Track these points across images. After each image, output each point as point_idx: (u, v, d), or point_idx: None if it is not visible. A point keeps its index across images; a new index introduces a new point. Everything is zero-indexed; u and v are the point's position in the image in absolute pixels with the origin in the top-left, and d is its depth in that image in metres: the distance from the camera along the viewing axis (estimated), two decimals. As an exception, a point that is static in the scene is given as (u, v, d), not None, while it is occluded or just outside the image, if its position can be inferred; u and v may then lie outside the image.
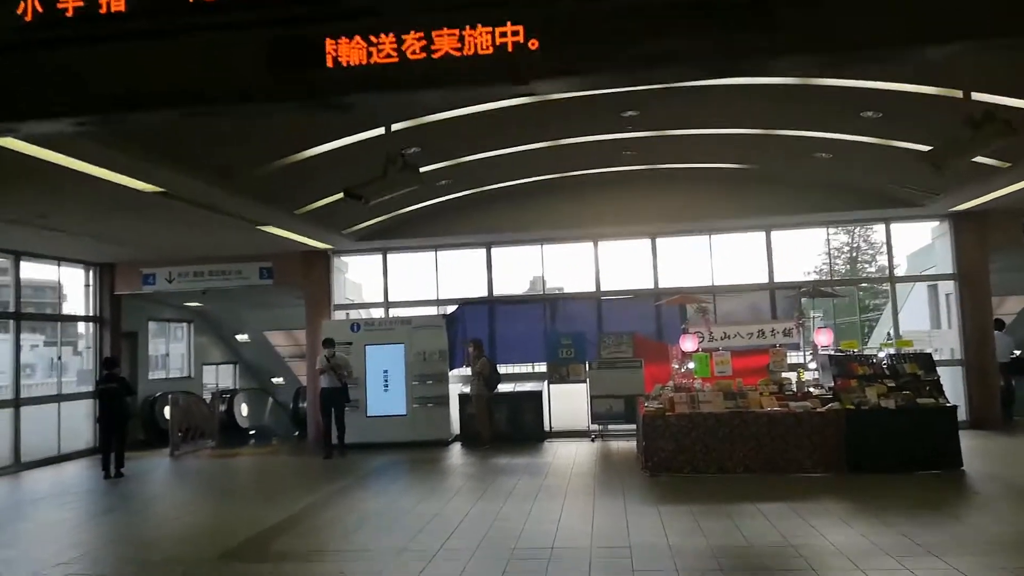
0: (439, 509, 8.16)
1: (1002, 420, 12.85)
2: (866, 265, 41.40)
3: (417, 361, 13.23)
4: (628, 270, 15.98)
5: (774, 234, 13.85)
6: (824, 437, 9.39)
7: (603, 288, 14.23)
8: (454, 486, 9.62)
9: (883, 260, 24.66)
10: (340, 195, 10.99)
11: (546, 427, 13.40)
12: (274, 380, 19.03)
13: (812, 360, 10.88)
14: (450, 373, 13.57)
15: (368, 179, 6.94)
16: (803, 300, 13.02)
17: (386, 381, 13.26)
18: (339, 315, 14.76)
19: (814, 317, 13.06)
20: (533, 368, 14.88)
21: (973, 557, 5.76)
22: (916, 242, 18.09)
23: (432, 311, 14.37)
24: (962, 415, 12.84)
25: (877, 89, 8.00)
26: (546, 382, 13.65)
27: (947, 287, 14.25)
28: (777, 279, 13.68)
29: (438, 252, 14.80)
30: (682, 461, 9.56)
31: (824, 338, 10.33)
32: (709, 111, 9.43)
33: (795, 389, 10.18)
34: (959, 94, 7.70)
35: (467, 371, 13.29)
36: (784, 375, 10.60)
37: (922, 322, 16.34)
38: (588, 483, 9.34)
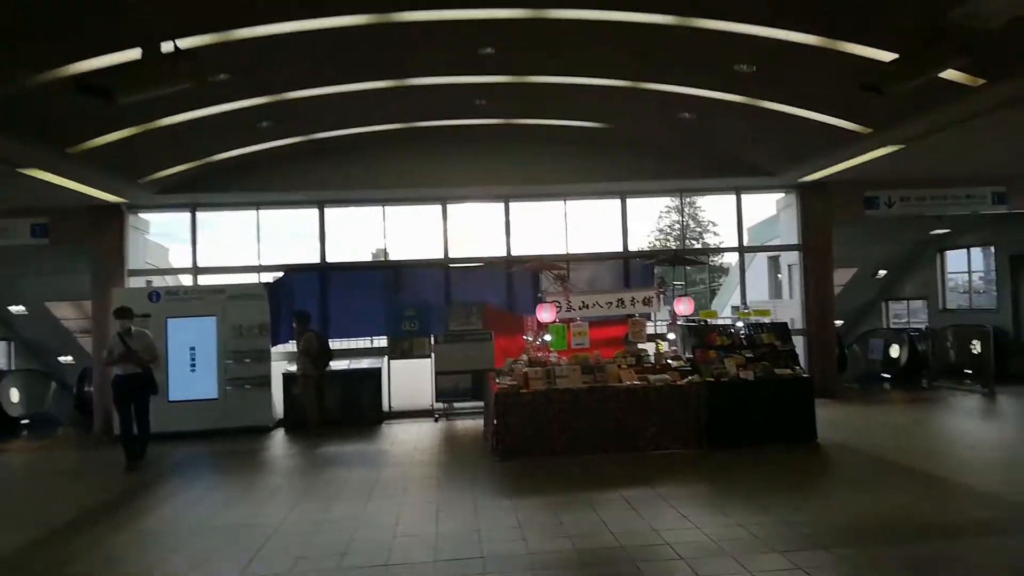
0: (247, 517, 6.58)
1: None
2: (694, 243, 43.32)
3: (232, 336, 11.30)
4: (479, 236, 14.87)
5: (629, 201, 13.25)
6: (684, 411, 8.80)
7: (451, 255, 12.96)
8: (271, 484, 8.01)
9: (709, 239, 25.09)
10: (131, 130, 8.98)
11: (385, 408, 12.00)
12: (61, 359, 16.07)
13: (670, 330, 10.30)
14: (273, 350, 11.75)
15: (120, 67, 5.05)
16: (662, 268, 12.49)
17: (193, 360, 11.21)
18: (137, 282, 12.40)
19: (675, 285, 12.56)
20: (372, 343, 13.37)
21: (857, 547, 5.16)
22: (756, 216, 18.51)
23: (252, 279, 12.40)
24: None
25: (755, 36, 7.27)
26: (386, 358, 12.23)
27: (790, 258, 14.41)
28: (631, 248, 13.11)
29: (260, 211, 12.82)
30: (536, 442, 8.59)
31: (685, 307, 9.74)
32: (570, 57, 8.38)
33: (654, 361, 9.53)
34: (839, 46, 7.18)
35: (293, 347, 11.56)
36: (642, 346, 9.94)
37: (762, 293, 16.65)
38: (431, 473, 8.10)
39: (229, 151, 11.11)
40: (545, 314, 9.32)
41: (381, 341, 12.66)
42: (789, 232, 13.70)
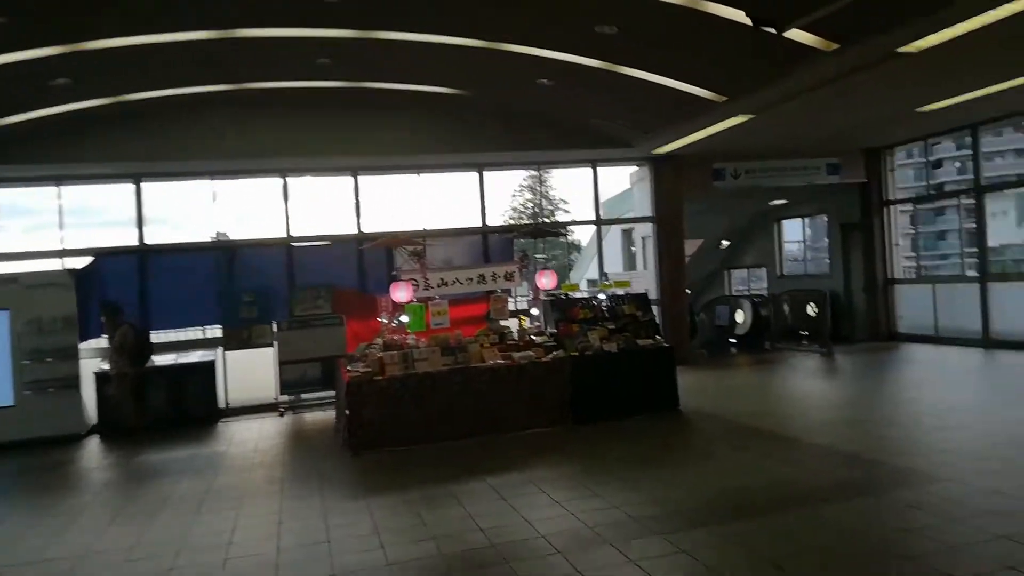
0: (35, 552, 5.38)
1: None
2: (547, 220, 43.93)
3: (30, 332, 9.61)
4: (325, 213, 13.78)
5: (487, 174, 12.69)
6: (550, 388, 8.43)
7: (295, 234, 11.83)
8: (75, 505, 6.72)
9: (561, 217, 25.31)
10: None
11: (222, 404, 10.76)
12: None
13: (533, 305, 9.90)
14: (83, 346, 10.15)
15: None
16: (523, 242, 12.07)
17: (-24, 362, 9.43)
18: (-98, 272, 10.27)
19: (537, 259, 12.19)
20: (204, 333, 11.98)
21: (736, 522, 4.94)
22: (609, 190, 18.68)
23: (56, 265, 10.64)
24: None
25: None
26: (221, 349, 10.95)
27: (643, 231, 14.52)
28: (490, 223, 12.60)
29: (63, 186, 11.03)
30: (394, 432, 7.88)
31: (548, 281, 9.36)
32: (423, 9, 7.64)
33: (517, 338, 9.08)
34: (704, 6, 6.95)
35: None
36: (504, 323, 9.47)
37: (617, 265, 16.81)
38: (275, 476, 7.17)
39: (15, 115, 9.37)
40: (400, 293, 8.58)
41: (215, 331, 11.34)
42: (643, 205, 13.76)
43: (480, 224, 12.51)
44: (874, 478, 5.58)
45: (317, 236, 12.25)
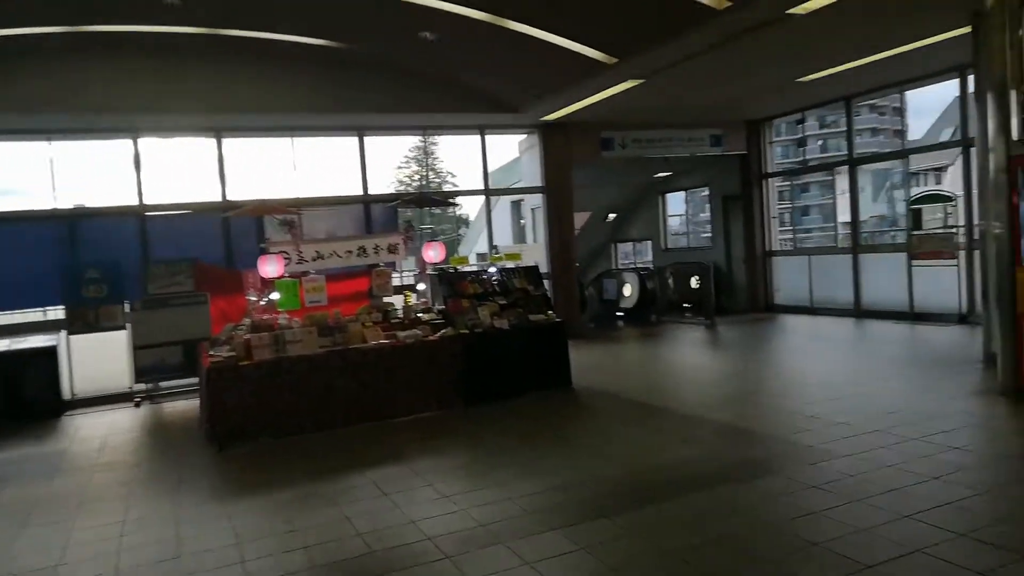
0: None
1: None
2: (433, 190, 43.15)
3: None
4: (186, 178, 12.48)
5: (368, 140, 11.85)
6: (438, 369, 7.90)
7: (148, 201, 10.56)
8: None
9: (448, 188, 24.64)
10: None
11: (65, 395, 9.50)
12: None
13: (420, 280, 9.29)
14: None
15: None
16: (408, 212, 11.36)
17: None
18: None
19: (423, 230, 11.52)
20: (45, 315, 10.55)
21: (637, 510, 4.63)
22: (498, 160, 18.14)
23: None
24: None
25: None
26: (64, 333, 9.64)
27: (532, 201, 14.17)
28: (372, 191, 11.80)
29: None
30: (263, 424, 7.11)
31: (435, 253, 8.76)
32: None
33: (402, 315, 8.46)
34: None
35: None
36: (388, 300, 8.82)
37: (506, 238, 16.40)
38: (122, 478, 6.26)
39: None
40: (269, 268, 7.73)
41: (58, 312, 9.98)
42: (532, 175, 13.38)
43: (361, 193, 11.69)
44: (773, 456, 5.45)
45: (176, 204, 11.02)
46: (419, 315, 8.44)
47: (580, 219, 18.69)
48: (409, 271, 10.21)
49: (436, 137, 18.81)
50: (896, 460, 5.06)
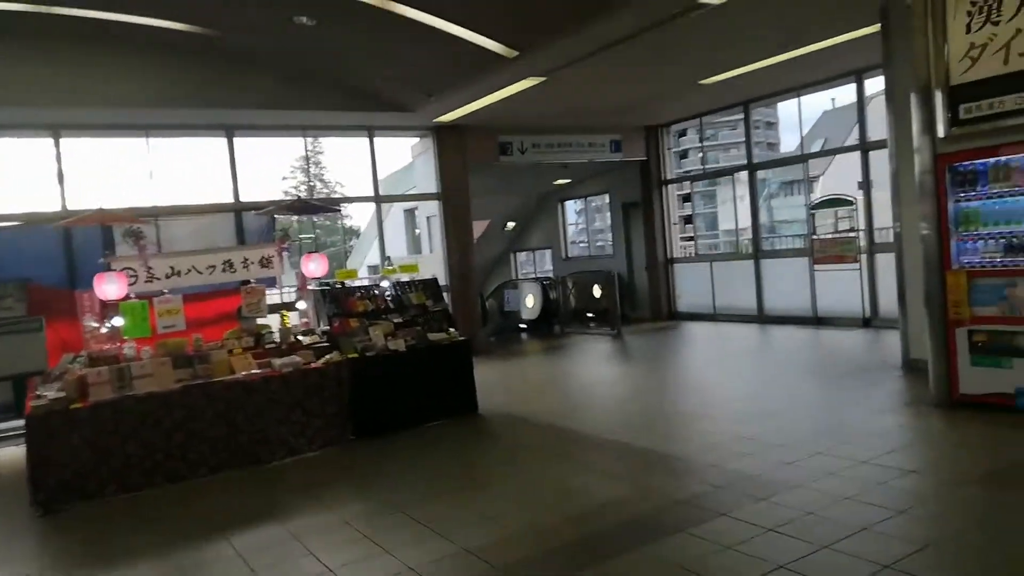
0: None
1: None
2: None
3: None
4: (17, 184, 10.69)
5: (241, 142, 10.52)
6: (323, 400, 6.79)
7: (-32, 211, 8.82)
8: None
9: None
10: None
11: None
12: None
13: (300, 298, 8.13)
14: None
15: None
16: (290, 221, 10.13)
17: None
18: None
19: (302, 240, 10.30)
20: None
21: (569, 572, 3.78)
22: (390, 167, 17.01)
23: None
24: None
25: None
26: None
27: (428, 209, 13.24)
28: (245, 199, 10.47)
29: None
30: (104, 479, 5.78)
31: (317, 266, 7.65)
32: None
33: (279, 340, 7.28)
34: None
35: None
36: (262, 322, 7.60)
37: (401, 249, 15.35)
38: (-100, 568, 4.78)
39: None
40: (109, 287, 6.38)
41: None
42: (427, 180, 12.43)
43: (232, 200, 10.34)
44: (716, 491, 4.75)
45: (5, 216, 9.31)
46: (299, 338, 7.29)
47: (479, 228, 17.94)
48: (290, 288, 9.01)
49: (323, 140, 17.35)
50: (852, 490, 4.46)
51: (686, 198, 26.92)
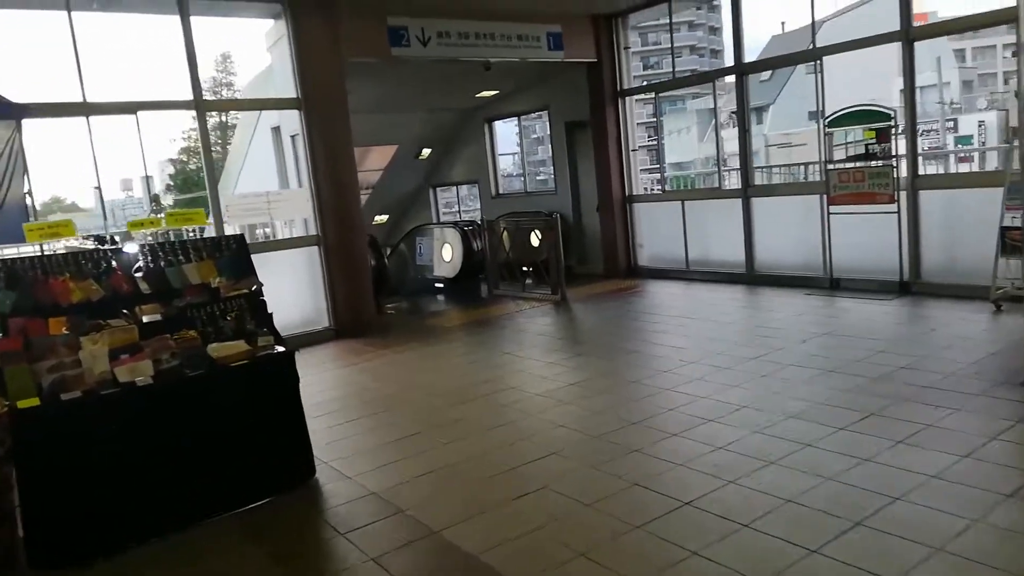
0: None
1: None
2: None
3: None
4: None
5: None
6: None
7: None
8: None
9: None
10: None
11: None
12: None
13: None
14: None
15: None
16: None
17: None
18: None
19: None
20: None
21: None
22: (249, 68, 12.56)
23: None
24: (324, 322, 8.43)
25: None
26: None
27: (290, 124, 9.37)
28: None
29: None
30: None
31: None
32: None
33: None
34: None
35: None
36: None
37: (270, 181, 11.42)
38: None
39: None
40: None
41: None
42: (285, 82, 8.51)
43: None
44: None
45: None
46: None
47: (384, 155, 14.13)
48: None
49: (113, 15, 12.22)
50: None
51: (649, 116, 23.19)
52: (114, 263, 4.24)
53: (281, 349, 4.26)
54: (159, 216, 4.61)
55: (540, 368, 6.41)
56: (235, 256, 4.64)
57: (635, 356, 6.63)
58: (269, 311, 4.56)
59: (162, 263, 4.37)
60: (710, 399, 5.06)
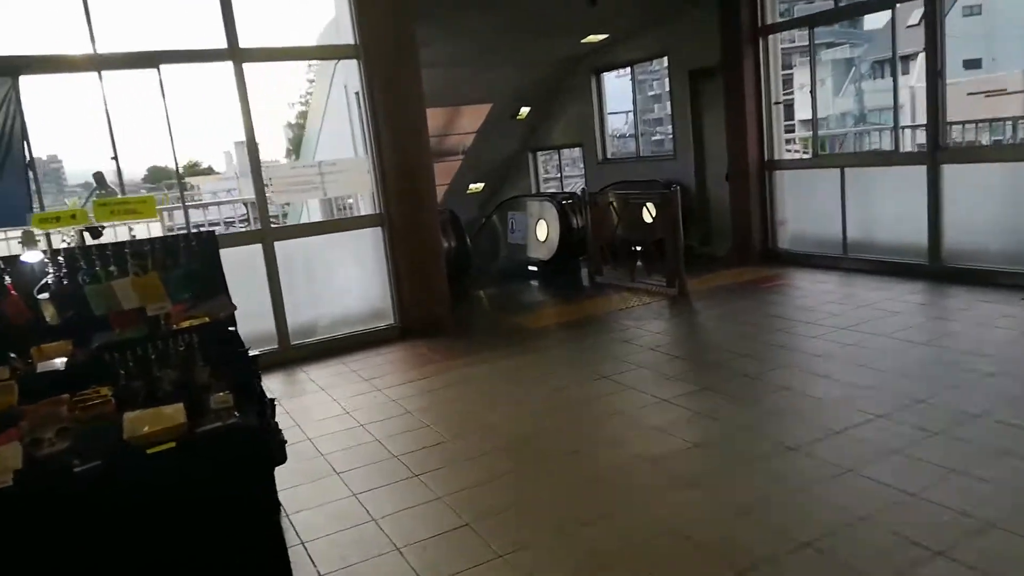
0: None
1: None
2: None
3: None
4: None
5: None
6: None
7: None
8: None
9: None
10: None
11: None
12: None
13: None
14: None
15: None
16: None
17: None
18: None
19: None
20: None
21: None
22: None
23: None
24: (388, 318, 7.00)
25: None
26: None
27: (351, 79, 7.91)
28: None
29: None
30: None
31: None
32: None
33: None
34: None
35: None
36: None
37: (345, 148, 10.05)
38: None
39: None
40: None
41: None
42: (342, 27, 6.99)
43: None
44: None
45: None
46: None
47: (478, 115, 12.51)
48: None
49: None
50: None
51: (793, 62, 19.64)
52: (7, 279, 2.83)
53: (242, 426, 2.70)
54: (83, 207, 3.19)
55: (649, 411, 4.62)
56: (197, 265, 3.14)
57: (787, 397, 4.67)
58: (245, 347, 3.06)
59: (82, 278, 2.93)
60: (923, 500, 3.13)
